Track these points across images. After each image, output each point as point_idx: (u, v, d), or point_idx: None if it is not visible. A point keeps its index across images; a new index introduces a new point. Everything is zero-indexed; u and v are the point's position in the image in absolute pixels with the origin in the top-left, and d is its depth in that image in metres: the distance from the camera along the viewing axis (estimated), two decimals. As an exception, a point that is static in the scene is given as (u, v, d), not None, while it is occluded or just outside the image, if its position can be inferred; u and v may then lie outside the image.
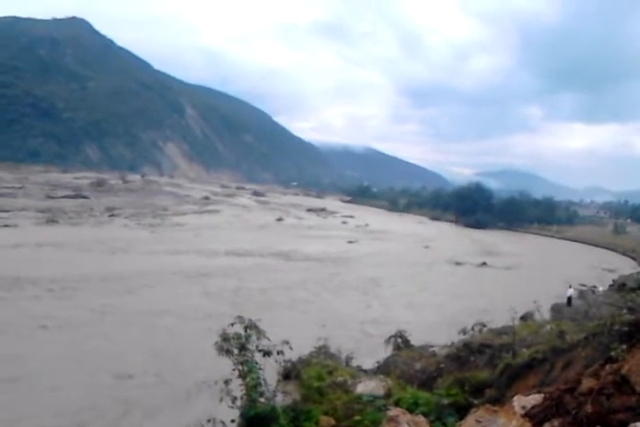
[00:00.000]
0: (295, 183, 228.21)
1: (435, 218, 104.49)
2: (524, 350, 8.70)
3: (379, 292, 28.03)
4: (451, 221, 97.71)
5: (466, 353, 10.70)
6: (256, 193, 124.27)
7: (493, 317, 12.31)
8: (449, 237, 66.94)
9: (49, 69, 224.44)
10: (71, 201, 62.69)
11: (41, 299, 20.21)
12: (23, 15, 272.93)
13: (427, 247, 51.20)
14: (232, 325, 7.71)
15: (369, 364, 12.55)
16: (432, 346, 13.26)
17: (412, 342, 13.53)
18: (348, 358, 11.67)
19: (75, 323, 17.71)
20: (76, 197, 66.84)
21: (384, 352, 13.10)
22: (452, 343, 11.99)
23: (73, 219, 48.37)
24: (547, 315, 16.85)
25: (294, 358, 9.54)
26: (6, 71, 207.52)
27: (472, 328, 11.38)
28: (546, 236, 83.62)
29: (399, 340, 13.46)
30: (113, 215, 53.76)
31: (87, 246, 33.51)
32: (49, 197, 65.11)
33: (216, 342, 7.58)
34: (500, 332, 11.89)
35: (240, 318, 7.76)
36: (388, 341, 13.58)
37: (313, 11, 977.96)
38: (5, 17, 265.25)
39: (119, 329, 17.42)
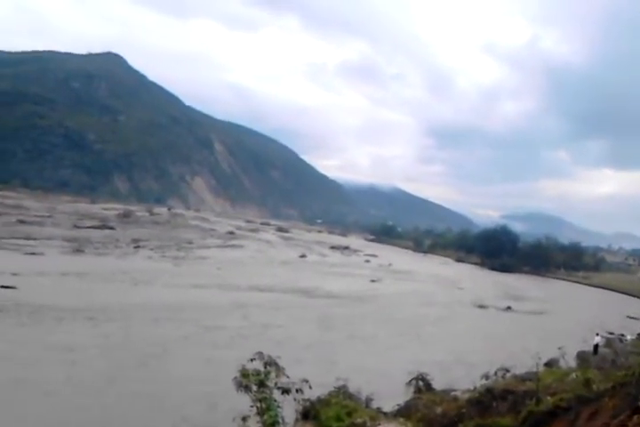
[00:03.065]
0: (320, 221, 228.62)
1: (459, 260, 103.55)
2: (548, 397, 8.50)
3: (398, 331, 27.65)
4: (475, 264, 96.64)
5: (488, 399, 10.47)
6: (280, 229, 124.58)
7: (517, 362, 12.08)
8: (473, 279, 66.14)
9: (82, 102, 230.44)
10: (98, 231, 63.42)
11: (62, 326, 20.28)
12: (60, 49, 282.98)
13: (450, 289, 50.64)
14: (251, 360, 7.68)
15: (389, 406, 12.33)
16: (454, 390, 13.00)
17: (434, 386, 13.29)
18: (368, 400, 11.51)
19: (93, 353, 17.71)
20: (102, 228, 67.57)
21: (405, 395, 12.87)
22: (475, 388, 11.75)
23: (99, 249, 48.87)
24: (572, 362, 16.44)
25: (313, 398, 9.44)
26: (41, 103, 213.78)
27: (495, 373, 11.17)
28: (572, 282, 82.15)
29: (420, 382, 13.24)
30: (138, 247, 54.21)
31: (110, 277, 33.76)
32: (76, 226, 65.97)
33: (235, 378, 7.54)
34: (523, 378, 11.62)
35: (260, 354, 7.74)
36: (409, 383, 13.35)
37: (343, 52, 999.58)
38: (44, 51, 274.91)
39: (140, 360, 17.37)
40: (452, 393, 12.60)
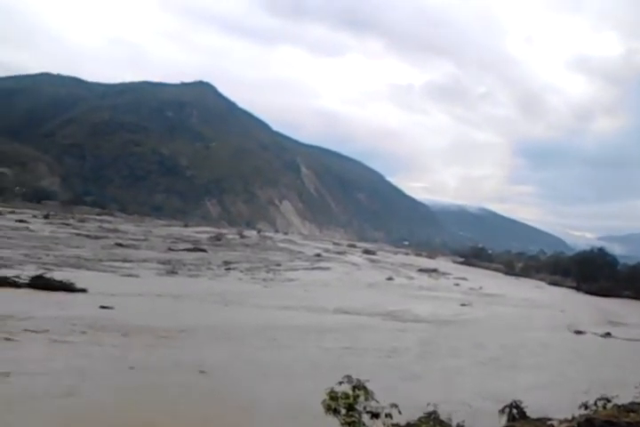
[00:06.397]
0: (406, 242, 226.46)
1: (553, 283, 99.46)
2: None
3: (489, 357, 26.79)
4: (571, 287, 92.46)
5: (588, 430, 9.95)
6: (367, 251, 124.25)
7: (619, 392, 11.43)
8: (569, 303, 63.27)
9: (175, 130, 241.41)
10: (191, 254, 65.55)
11: (155, 347, 20.93)
12: (155, 80, 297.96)
13: (544, 314, 48.66)
14: (340, 384, 7.69)
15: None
16: (550, 419, 12.41)
17: (529, 414, 12.76)
18: (459, 427, 11.20)
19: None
20: (195, 251, 69.75)
21: (498, 423, 12.43)
22: (573, 418, 11.19)
23: (192, 271, 50.43)
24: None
25: (402, 423, 9.30)
26: (137, 131, 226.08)
27: (595, 403, 10.63)
28: (679, 307, 77.04)
29: (514, 410, 12.75)
30: (229, 269, 55.57)
31: (202, 298, 34.72)
32: (170, 249, 68.48)
33: (324, 401, 7.57)
34: (627, 409, 10.97)
35: (348, 377, 7.74)
36: (502, 411, 12.88)
37: (428, 72, 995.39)
38: (139, 82, 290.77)
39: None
40: (549, 422, 12.04)
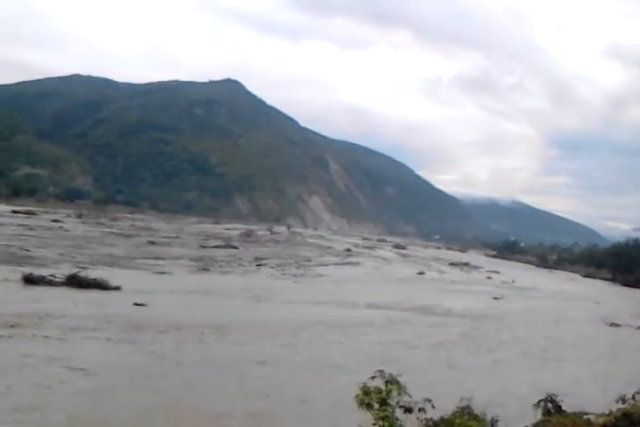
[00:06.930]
0: (437, 236, 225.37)
1: (588, 275, 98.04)
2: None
3: (523, 351, 26.51)
4: (606, 279, 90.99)
5: (626, 424, 9.79)
6: (397, 246, 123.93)
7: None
8: (604, 295, 62.23)
9: (204, 128, 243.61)
10: (222, 251, 66.04)
11: (198, 342, 21.15)
12: (184, 79, 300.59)
13: (579, 306, 47.96)
14: (372, 378, 7.70)
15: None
16: (586, 413, 12.22)
17: (564, 408, 12.59)
18: (494, 421, 11.09)
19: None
20: (226, 247, 70.26)
21: (532, 417, 12.29)
22: (610, 412, 11.01)
23: (223, 267, 50.82)
24: None
25: (436, 417, 9.26)
26: (168, 130, 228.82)
27: (633, 397, 10.45)
28: None
29: (549, 404, 12.58)
30: (260, 265, 55.84)
31: (234, 294, 34.97)
32: (202, 246, 69.11)
33: (357, 395, 7.59)
34: (665, 403, 10.77)
35: (381, 372, 7.73)
36: (536, 404, 12.72)
37: (457, 64, 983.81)
38: (169, 81, 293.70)
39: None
40: (585, 417, 11.87)
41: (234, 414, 13.79)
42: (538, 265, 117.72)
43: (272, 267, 55.01)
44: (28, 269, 31.44)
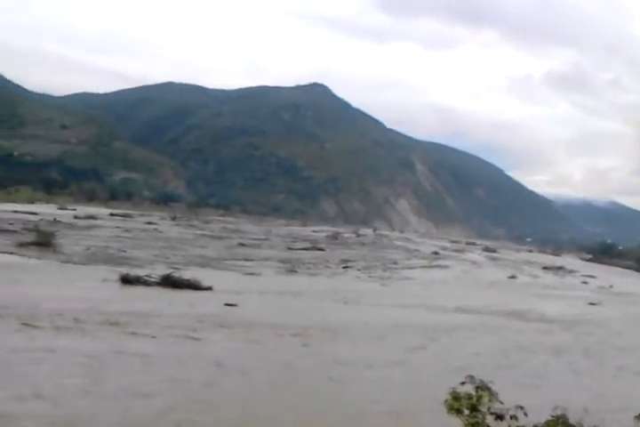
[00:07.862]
0: (529, 239, 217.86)
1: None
2: None
3: (623, 362, 25.20)
4: None
5: None
6: (487, 249, 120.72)
7: None
8: None
9: (291, 132, 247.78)
10: (309, 253, 66.52)
11: (296, 344, 21.41)
12: (271, 84, 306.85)
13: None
14: (462, 384, 7.58)
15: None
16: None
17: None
18: (590, 432, 10.63)
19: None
20: (313, 249, 70.68)
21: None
22: None
23: (310, 269, 51.16)
24: None
25: (529, 425, 8.98)
26: (257, 135, 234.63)
27: None
28: None
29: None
30: (346, 267, 55.85)
31: (322, 296, 35.18)
32: (289, 248, 69.92)
33: (446, 400, 7.49)
34: None
35: (471, 377, 7.60)
36: (638, 417, 12.07)
37: (548, 61, 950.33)
38: (257, 86, 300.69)
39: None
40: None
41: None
42: (637, 270, 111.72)
43: (358, 269, 54.89)
44: (124, 270, 32.75)
